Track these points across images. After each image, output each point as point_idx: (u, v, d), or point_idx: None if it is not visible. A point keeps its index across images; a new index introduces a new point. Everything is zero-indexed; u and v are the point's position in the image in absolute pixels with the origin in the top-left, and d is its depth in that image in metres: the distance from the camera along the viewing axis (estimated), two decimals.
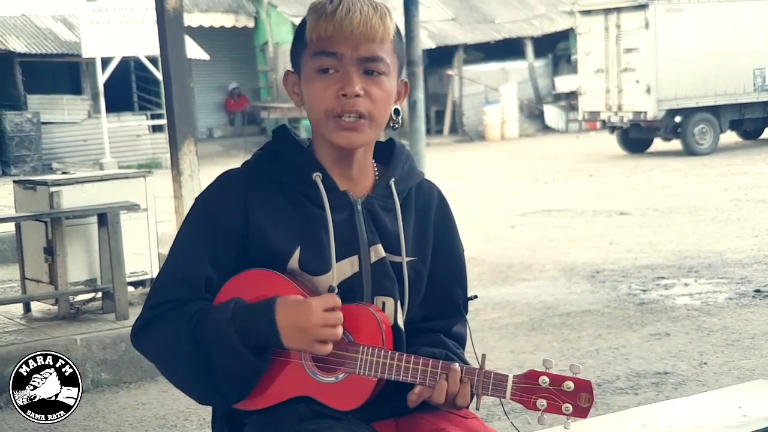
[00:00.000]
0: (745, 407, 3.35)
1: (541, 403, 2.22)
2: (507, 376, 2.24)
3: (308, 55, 2.29)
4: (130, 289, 7.65)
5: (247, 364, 2.24)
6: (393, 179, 2.41)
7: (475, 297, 2.59)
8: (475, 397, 2.27)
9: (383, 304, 2.36)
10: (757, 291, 8.22)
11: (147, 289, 7.89)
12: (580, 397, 2.21)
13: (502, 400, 2.29)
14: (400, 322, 2.39)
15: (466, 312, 2.54)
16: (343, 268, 2.33)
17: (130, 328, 2.37)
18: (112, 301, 7.14)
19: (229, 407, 2.36)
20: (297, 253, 2.30)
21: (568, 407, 2.21)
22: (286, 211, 2.32)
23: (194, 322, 2.25)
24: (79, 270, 7.43)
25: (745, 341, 6.81)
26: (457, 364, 2.27)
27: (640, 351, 6.74)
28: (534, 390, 2.23)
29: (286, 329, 2.21)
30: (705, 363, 6.37)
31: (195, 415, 5.85)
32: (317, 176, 2.32)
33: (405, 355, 2.26)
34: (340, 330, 2.23)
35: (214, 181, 2.39)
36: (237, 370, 2.24)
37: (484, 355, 2.28)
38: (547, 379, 2.22)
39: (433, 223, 2.47)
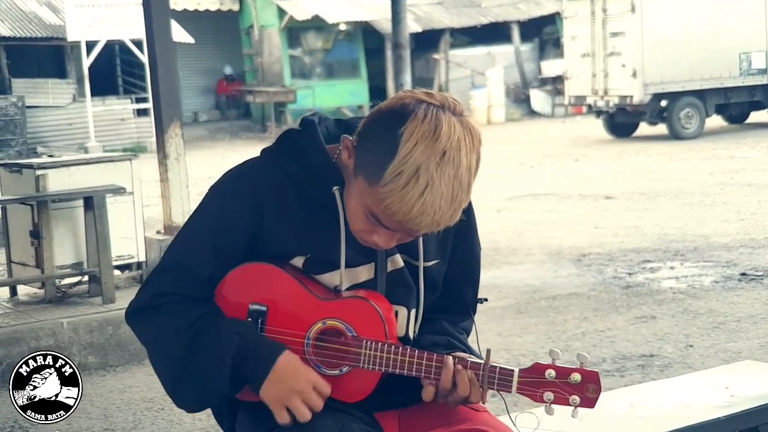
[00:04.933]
0: (733, 388, 3.36)
1: (548, 396, 2.19)
2: (513, 370, 2.21)
3: (369, 196, 2.13)
4: (117, 272, 7.64)
5: (220, 380, 2.22)
6: None
7: (486, 300, 2.55)
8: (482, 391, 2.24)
9: (396, 313, 2.33)
10: (743, 274, 8.24)
11: (134, 273, 7.88)
12: (587, 389, 2.19)
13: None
14: (411, 333, 2.36)
15: (475, 313, 2.51)
16: (357, 274, 2.29)
17: (124, 309, 2.36)
18: (98, 285, 7.12)
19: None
20: (304, 259, 2.27)
21: (576, 399, 2.18)
22: (301, 217, 2.27)
23: (196, 328, 2.23)
24: (65, 253, 7.41)
25: (731, 324, 6.84)
26: (461, 358, 2.25)
27: (626, 334, 6.76)
28: (540, 384, 2.20)
29: (272, 379, 2.19)
30: (691, 346, 6.39)
31: None
32: (336, 190, 2.25)
33: (409, 349, 2.24)
34: (309, 414, 2.19)
35: (232, 173, 2.33)
36: (209, 379, 2.23)
37: (488, 350, 2.25)
38: (553, 372, 2.20)
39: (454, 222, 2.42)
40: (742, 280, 8.09)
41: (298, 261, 2.27)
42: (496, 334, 6.81)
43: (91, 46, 23.57)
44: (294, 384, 2.18)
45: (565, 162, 17.97)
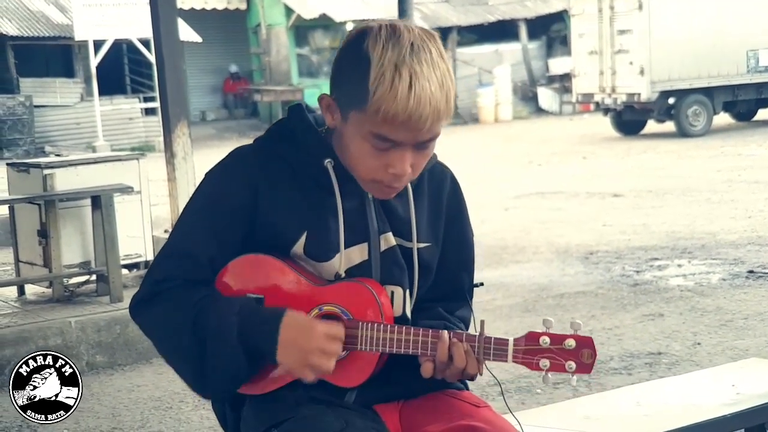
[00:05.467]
0: (739, 385, 3.36)
1: (544, 363, 2.20)
2: (507, 339, 2.23)
3: (366, 121, 2.14)
4: (124, 271, 7.65)
5: (238, 364, 2.21)
6: None
7: (481, 284, 2.56)
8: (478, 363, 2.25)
9: (392, 293, 2.34)
10: (751, 272, 8.23)
11: (142, 272, 7.89)
12: (582, 354, 2.19)
13: (501, 382, 2.26)
14: (408, 313, 2.37)
15: (471, 298, 2.52)
16: (351, 255, 2.30)
17: (129, 301, 2.34)
18: (106, 284, 7.14)
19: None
20: (303, 239, 2.27)
21: (572, 365, 2.19)
22: (296, 196, 2.28)
23: (198, 308, 2.22)
24: (73, 253, 7.42)
25: (739, 321, 6.83)
26: (456, 331, 2.26)
27: (633, 332, 6.75)
28: (535, 351, 2.21)
29: (284, 343, 2.18)
30: (698, 343, 6.39)
31: (191, 397, 5.85)
32: (329, 163, 2.27)
33: (404, 327, 2.24)
34: (332, 364, 2.19)
35: (226, 157, 2.35)
36: (228, 366, 2.22)
37: (482, 321, 2.27)
38: (547, 339, 2.20)
39: (445, 207, 2.43)
40: (750, 277, 8.08)
41: (299, 248, 2.28)
42: (504, 333, 6.73)
43: (98, 45, 23.62)
44: (306, 342, 2.17)
45: (573, 160, 17.96)
